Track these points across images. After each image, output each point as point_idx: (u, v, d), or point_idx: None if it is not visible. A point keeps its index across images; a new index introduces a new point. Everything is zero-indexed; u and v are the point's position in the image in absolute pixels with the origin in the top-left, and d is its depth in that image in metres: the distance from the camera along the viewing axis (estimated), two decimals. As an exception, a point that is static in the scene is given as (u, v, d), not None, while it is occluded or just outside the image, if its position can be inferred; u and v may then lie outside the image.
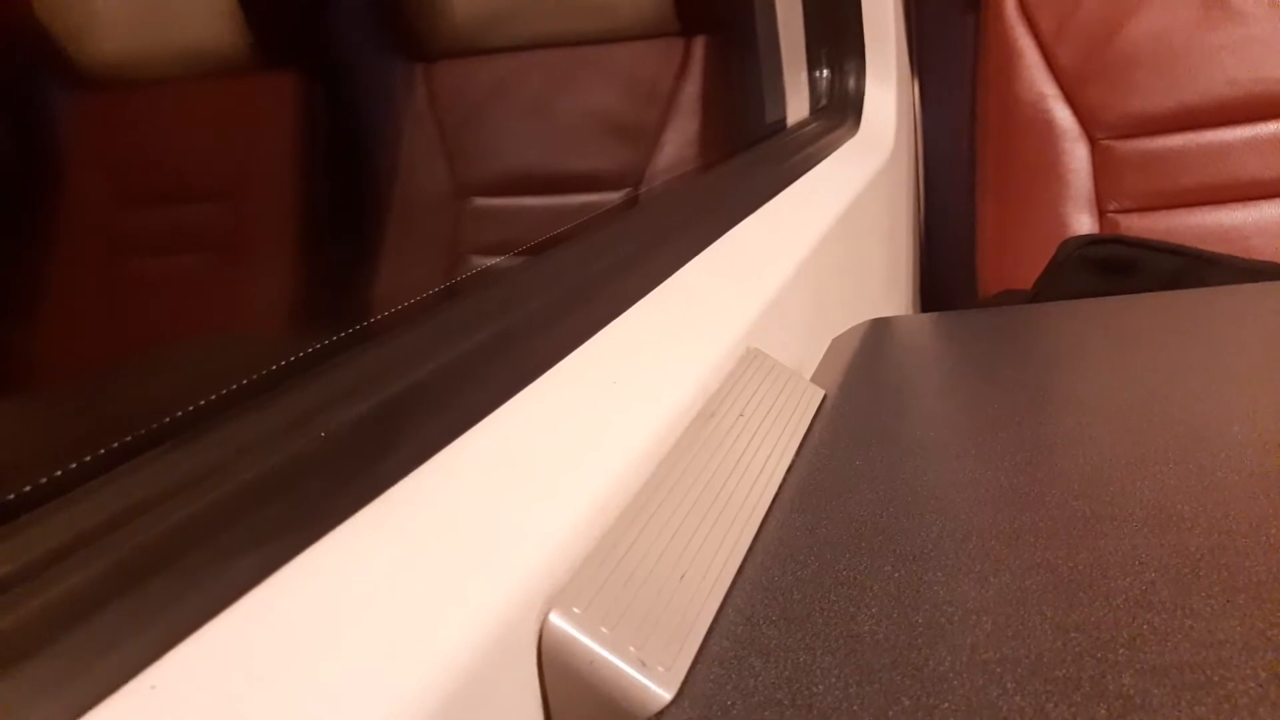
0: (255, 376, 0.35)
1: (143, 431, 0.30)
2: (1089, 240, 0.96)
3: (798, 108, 1.22)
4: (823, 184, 0.97)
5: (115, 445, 0.30)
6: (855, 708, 0.29)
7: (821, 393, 0.57)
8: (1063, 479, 0.41)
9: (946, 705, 0.29)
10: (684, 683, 0.33)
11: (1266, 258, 1.04)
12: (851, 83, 1.23)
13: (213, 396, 0.33)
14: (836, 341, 0.68)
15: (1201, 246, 0.98)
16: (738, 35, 1.22)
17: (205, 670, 0.25)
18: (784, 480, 0.46)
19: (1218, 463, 0.41)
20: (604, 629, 0.33)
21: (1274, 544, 0.34)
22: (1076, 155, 1.25)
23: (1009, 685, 0.29)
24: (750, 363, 0.55)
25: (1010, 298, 1.21)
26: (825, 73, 1.23)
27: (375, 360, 0.40)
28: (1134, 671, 0.29)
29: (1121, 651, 0.30)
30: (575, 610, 0.33)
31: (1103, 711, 0.28)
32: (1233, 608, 0.31)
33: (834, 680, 0.31)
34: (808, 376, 0.63)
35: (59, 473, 0.28)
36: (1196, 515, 0.37)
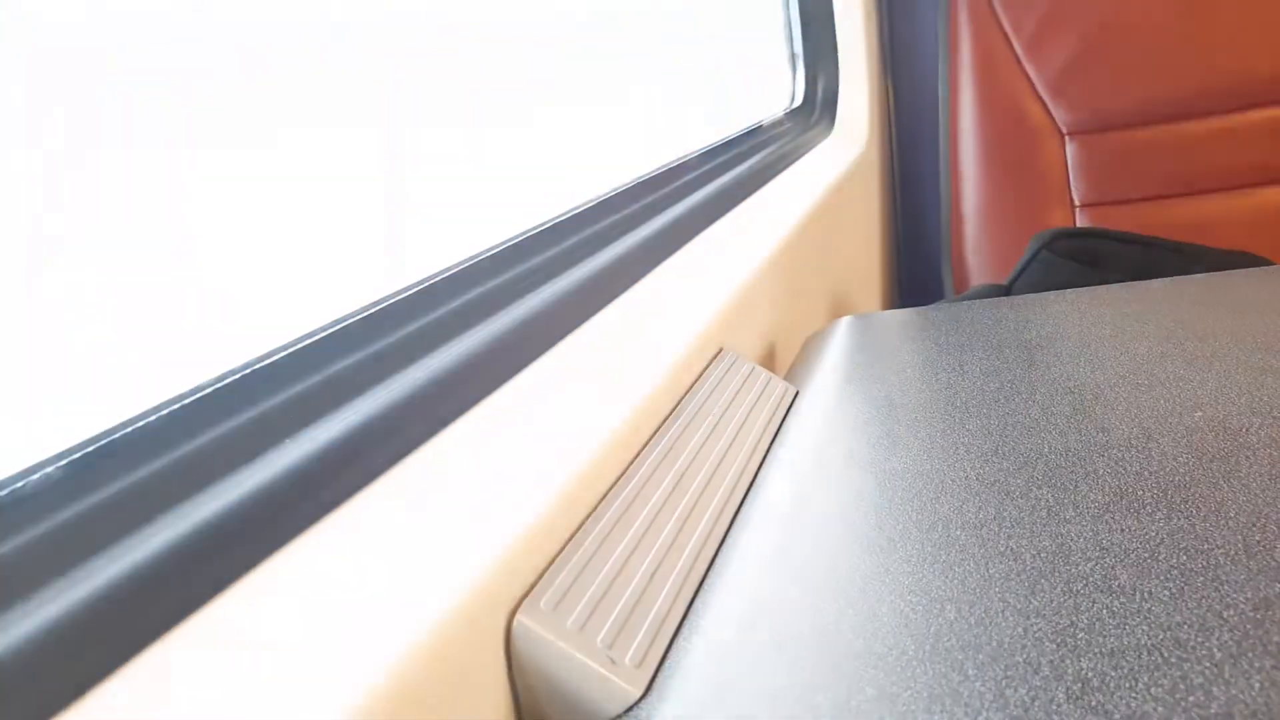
0: (226, 380, 0.35)
1: (106, 440, 0.30)
2: (1060, 234, 0.97)
3: (771, 107, 1.22)
4: (797, 183, 0.97)
5: (78, 455, 0.30)
6: (820, 698, 0.30)
7: (794, 390, 0.57)
8: (1027, 467, 0.42)
9: (909, 693, 0.29)
10: (653, 679, 0.33)
11: (1237, 246, 1.05)
12: (824, 82, 1.23)
13: (178, 405, 0.33)
14: (810, 340, 0.68)
15: (1173, 237, 0.99)
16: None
17: (173, 667, 0.26)
18: (754, 478, 0.47)
19: (1179, 448, 0.41)
20: (572, 627, 0.33)
21: (1232, 528, 0.35)
22: (1049, 149, 1.26)
23: (970, 671, 0.30)
24: (721, 362, 0.56)
25: (984, 291, 1.22)
26: (799, 72, 1.24)
27: (345, 365, 0.40)
28: (1093, 655, 0.29)
29: (1081, 635, 0.30)
30: (543, 609, 0.33)
31: (1061, 694, 0.28)
32: (1190, 590, 0.32)
33: (800, 671, 0.31)
34: (782, 375, 0.64)
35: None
36: (1157, 501, 0.38)
